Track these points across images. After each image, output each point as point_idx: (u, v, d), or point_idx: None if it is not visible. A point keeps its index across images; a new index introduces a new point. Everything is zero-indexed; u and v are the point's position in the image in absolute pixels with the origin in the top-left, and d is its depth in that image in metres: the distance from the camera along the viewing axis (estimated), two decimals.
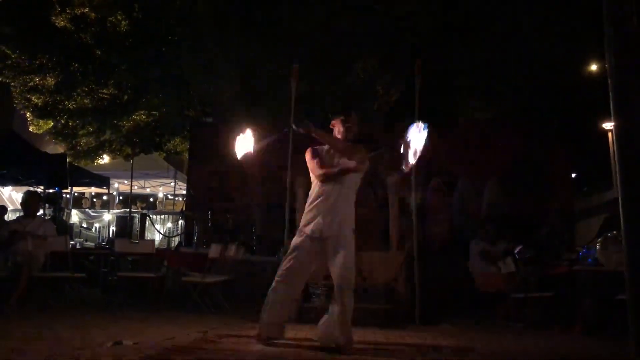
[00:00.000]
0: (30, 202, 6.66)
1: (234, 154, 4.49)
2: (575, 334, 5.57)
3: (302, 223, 4.39)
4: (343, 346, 4.03)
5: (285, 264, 4.31)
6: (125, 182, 15.44)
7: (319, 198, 4.32)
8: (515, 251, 7.01)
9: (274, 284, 4.31)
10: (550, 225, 8.30)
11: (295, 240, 4.36)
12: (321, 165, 4.38)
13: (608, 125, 14.07)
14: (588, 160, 16.31)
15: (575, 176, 13.98)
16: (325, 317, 4.22)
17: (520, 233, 7.79)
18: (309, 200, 4.41)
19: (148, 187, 17.34)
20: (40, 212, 7.99)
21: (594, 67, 14.94)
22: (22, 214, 6.89)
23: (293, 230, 6.67)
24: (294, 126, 4.42)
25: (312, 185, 4.47)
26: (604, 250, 5.37)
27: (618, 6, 2.31)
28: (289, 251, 4.38)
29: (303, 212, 4.45)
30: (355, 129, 4.50)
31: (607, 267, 5.36)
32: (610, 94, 2.35)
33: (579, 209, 11.83)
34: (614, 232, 5.33)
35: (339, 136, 4.46)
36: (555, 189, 9.40)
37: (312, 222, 4.29)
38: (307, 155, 4.50)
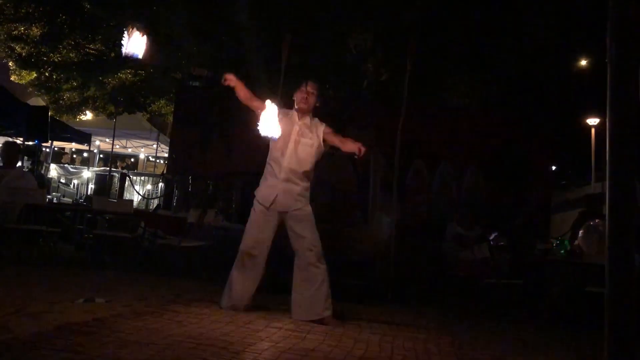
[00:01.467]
0: (8, 153, 6.55)
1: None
2: (542, 321, 5.69)
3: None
4: (327, 318, 4.14)
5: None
6: (107, 140, 15.30)
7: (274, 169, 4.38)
8: (490, 238, 7.11)
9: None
10: (526, 215, 8.43)
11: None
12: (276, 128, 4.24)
13: (592, 121, 14.23)
14: (568, 155, 16.52)
15: (555, 169, 14.15)
16: (297, 293, 4.27)
17: (496, 220, 7.90)
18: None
19: (130, 147, 17.20)
20: (19, 163, 7.88)
21: (583, 63, 15.05)
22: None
23: None
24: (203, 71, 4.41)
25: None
26: (586, 238, 5.48)
27: None
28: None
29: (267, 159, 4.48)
30: (315, 95, 4.47)
31: (587, 253, 5.47)
32: (608, 84, 2.33)
33: (556, 202, 12.01)
34: (597, 221, 5.42)
35: (297, 104, 4.46)
36: (534, 180, 9.50)
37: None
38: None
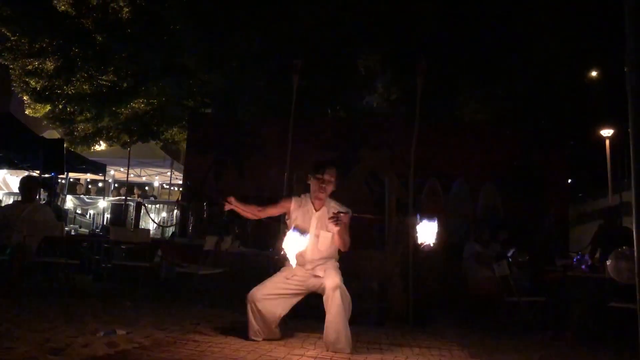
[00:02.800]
0: (28, 187, 6.61)
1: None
2: (566, 340, 5.59)
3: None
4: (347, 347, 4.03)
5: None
6: (122, 169, 15.44)
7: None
8: (509, 254, 7.04)
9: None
10: (544, 230, 8.34)
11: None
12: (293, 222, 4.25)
13: (606, 132, 14.13)
14: (584, 167, 16.39)
15: (571, 182, 14.04)
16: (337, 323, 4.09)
17: (514, 236, 7.82)
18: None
19: (144, 176, 17.33)
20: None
21: (593, 74, 15.02)
22: (18, 198, 6.85)
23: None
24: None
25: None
26: (615, 266, 5.38)
27: None
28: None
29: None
30: (333, 183, 4.26)
31: (619, 281, 5.36)
32: (628, 94, 2.30)
33: (574, 215, 11.90)
34: (624, 247, 5.34)
35: (314, 193, 4.28)
36: (550, 194, 9.43)
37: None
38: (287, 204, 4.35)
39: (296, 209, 4.29)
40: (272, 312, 4.19)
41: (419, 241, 4.14)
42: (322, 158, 5.93)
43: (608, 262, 5.43)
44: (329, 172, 4.25)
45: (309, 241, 4.17)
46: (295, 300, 4.28)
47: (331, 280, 4.05)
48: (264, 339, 4.21)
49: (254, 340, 4.18)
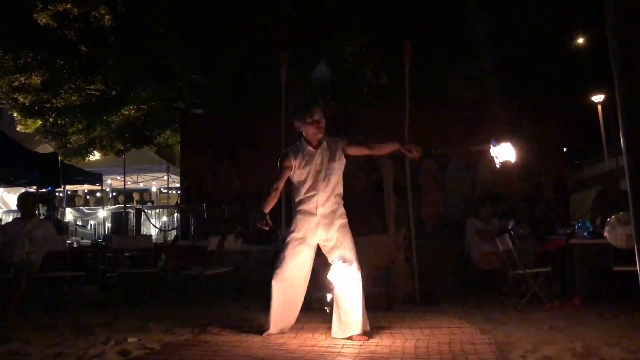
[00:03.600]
0: (26, 204, 6.61)
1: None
2: (573, 306, 5.64)
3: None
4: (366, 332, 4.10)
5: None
6: (118, 177, 15.40)
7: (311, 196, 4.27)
8: (509, 227, 7.07)
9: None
10: (544, 200, 8.36)
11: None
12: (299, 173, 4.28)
13: (597, 98, 14.12)
14: (578, 134, 16.39)
15: (567, 150, 14.04)
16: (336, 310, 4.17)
17: (515, 209, 7.85)
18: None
19: (141, 182, 17.29)
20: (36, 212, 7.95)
21: (580, 40, 14.98)
22: (17, 215, 6.85)
23: (289, 217, 6.70)
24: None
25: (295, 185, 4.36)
26: (612, 232, 5.40)
27: None
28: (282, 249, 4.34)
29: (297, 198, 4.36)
30: (324, 123, 4.28)
31: (617, 247, 5.39)
32: (611, 58, 2.29)
33: (572, 182, 11.91)
34: (620, 213, 5.35)
35: (312, 137, 4.28)
36: (547, 164, 9.43)
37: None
38: (278, 162, 4.36)
39: (296, 159, 4.28)
40: (302, 285, 4.26)
41: (498, 162, 4.13)
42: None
43: (605, 230, 5.46)
44: (318, 112, 4.30)
45: (321, 182, 4.22)
46: (313, 259, 4.29)
47: (345, 255, 4.12)
48: (280, 332, 4.24)
49: (270, 334, 4.20)
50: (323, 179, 4.24)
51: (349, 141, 4.34)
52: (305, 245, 4.24)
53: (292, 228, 4.30)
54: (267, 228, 4.20)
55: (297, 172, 4.28)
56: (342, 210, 4.30)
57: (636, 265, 2.30)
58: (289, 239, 4.28)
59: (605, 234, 5.47)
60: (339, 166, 4.30)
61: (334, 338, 4.08)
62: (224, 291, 6.58)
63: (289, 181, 4.40)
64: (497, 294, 6.50)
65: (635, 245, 2.28)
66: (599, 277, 6.22)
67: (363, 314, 4.11)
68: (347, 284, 4.08)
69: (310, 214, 4.23)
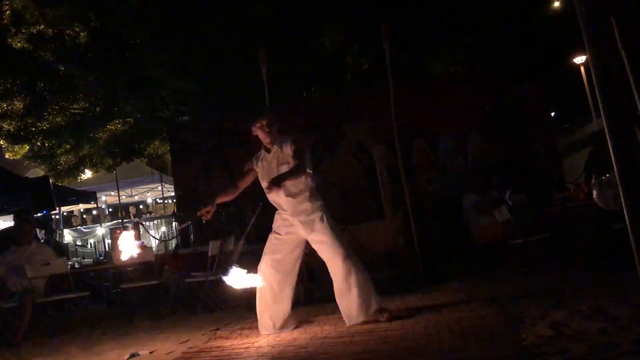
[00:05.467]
0: (22, 230, 6.58)
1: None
2: (577, 268, 5.67)
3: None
4: (374, 314, 4.15)
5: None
6: (112, 193, 15.34)
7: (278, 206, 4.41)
8: (506, 197, 7.10)
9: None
10: (537, 166, 8.38)
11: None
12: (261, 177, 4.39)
13: (579, 60, 14.15)
14: (564, 97, 16.44)
15: (555, 114, 14.08)
16: (340, 300, 4.24)
17: (509, 180, 7.86)
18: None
19: (136, 195, 17.24)
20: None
21: (555, 4, 15.00)
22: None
23: None
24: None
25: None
26: (600, 195, 5.43)
27: None
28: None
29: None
30: (266, 126, 4.32)
31: (607, 209, 5.42)
32: (581, 25, 2.29)
33: (563, 146, 11.95)
34: (607, 175, 5.38)
35: (262, 141, 4.39)
36: (536, 130, 9.44)
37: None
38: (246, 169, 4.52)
39: (257, 164, 4.44)
40: (283, 281, 4.32)
41: None
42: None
43: (594, 193, 5.49)
44: (265, 117, 4.37)
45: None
46: (298, 256, 4.39)
47: (326, 251, 4.22)
48: (279, 329, 4.28)
49: (267, 334, 4.25)
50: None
51: (293, 151, 4.31)
52: (283, 242, 4.35)
53: (274, 228, 4.46)
54: (207, 217, 4.33)
55: (260, 176, 4.42)
56: (314, 204, 4.32)
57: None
58: (269, 236, 4.44)
59: (594, 197, 5.50)
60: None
61: (343, 329, 4.09)
62: (230, 295, 6.57)
63: None
64: (500, 266, 6.52)
65: (623, 205, 2.30)
66: (600, 237, 6.25)
67: (368, 295, 4.16)
68: (337, 274, 4.18)
69: (282, 211, 4.39)
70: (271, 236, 4.43)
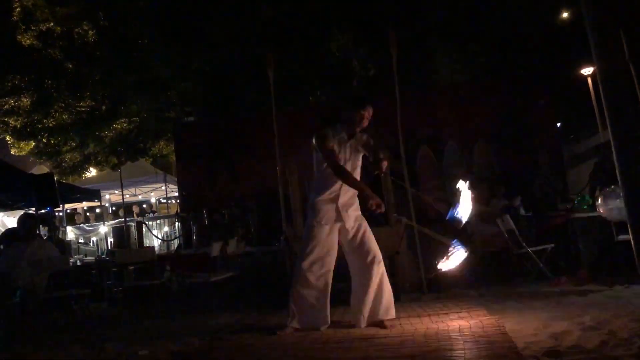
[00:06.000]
0: (27, 226, 6.60)
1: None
2: (581, 281, 5.64)
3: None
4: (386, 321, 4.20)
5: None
6: (116, 192, 15.37)
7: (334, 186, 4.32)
8: (517, 204, 7.10)
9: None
10: (541, 177, 8.36)
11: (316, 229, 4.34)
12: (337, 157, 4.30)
13: (586, 71, 14.12)
14: (571, 108, 16.41)
15: (561, 125, 14.04)
16: (359, 298, 4.27)
17: (513, 189, 7.84)
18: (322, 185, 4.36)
19: (139, 194, 17.26)
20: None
21: (565, 15, 14.99)
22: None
23: (289, 217, 6.69)
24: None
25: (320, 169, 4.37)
26: (604, 206, 5.42)
27: None
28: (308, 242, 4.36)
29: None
30: (367, 124, 4.37)
31: (610, 220, 5.41)
32: (589, 37, 2.30)
33: (568, 157, 11.91)
34: (612, 187, 5.37)
35: (356, 127, 4.31)
36: (542, 140, 9.42)
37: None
38: (320, 142, 4.31)
39: (334, 140, 4.33)
40: (326, 276, 4.29)
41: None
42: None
43: (598, 204, 5.48)
44: (370, 110, 4.35)
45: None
46: (335, 248, 4.36)
47: (368, 247, 4.27)
48: (307, 327, 4.28)
49: (298, 328, 4.26)
50: (350, 169, 4.31)
51: (371, 141, 4.39)
52: (332, 234, 4.33)
53: (318, 217, 4.32)
54: (382, 209, 4.21)
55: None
56: (357, 199, 4.41)
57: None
58: (316, 230, 4.31)
59: (599, 208, 5.49)
60: (359, 160, 4.43)
61: (344, 334, 4.08)
62: (232, 295, 6.57)
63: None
64: (503, 275, 6.50)
65: (627, 216, 2.29)
66: (603, 249, 6.23)
67: (385, 301, 4.24)
68: (369, 273, 4.23)
69: (333, 202, 4.31)
70: (320, 229, 4.30)
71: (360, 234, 4.32)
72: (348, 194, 4.31)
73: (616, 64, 2.20)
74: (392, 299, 4.30)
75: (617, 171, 2.31)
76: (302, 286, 4.28)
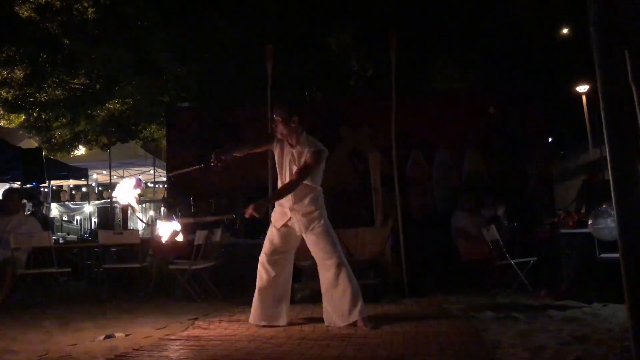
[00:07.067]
0: (11, 200, 6.55)
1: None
2: (561, 295, 5.69)
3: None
4: (360, 321, 4.19)
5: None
6: (104, 172, 15.28)
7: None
8: (501, 212, 7.14)
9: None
10: (529, 190, 8.41)
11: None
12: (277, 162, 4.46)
13: (582, 89, 14.21)
14: (563, 124, 16.52)
15: (552, 140, 14.14)
16: (325, 301, 4.35)
17: (500, 200, 7.88)
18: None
19: (127, 176, 17.17)
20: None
21: (564, 31, 15.07)
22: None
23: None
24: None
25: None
26: (595, 225, 5.46)
27: None
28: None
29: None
30: (283, 121, 4.30)
31: (601, 238, 5.45)
32: (594, 53, 2.30)
33: (557, 173, 12.00)
34: (603, 205, 5.41)
35: (288, 136, 4.34)
36: (532, 154, 9.46)
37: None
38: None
39: (276, 146, 4.44)
40: (281, 274, 4.39)
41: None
42: None
43: (589, 222, 5.51)
44: (276, 112, 4.39)
45: (285, 176, 4.35)
46: (293, 248, 4.47)
47: (320, 253, 4.29)
48: (266, 325, 4.30)
49: (257, 324, 4.31)
50: (287, 177, 4.36)
51: (308, 157, 4.28)
52: (281, 236, 4.39)
53: (272, 219, 4.50)
54: (217, 163, 4.17)
55: (276, 159, 4.46)
56: (315, 206, 4.34)
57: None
58: (269, 228, 4.50)
59: (589, 224, 5.52)
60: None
61: (322, 331, 4.10)
62: (212, 285, 6.56)
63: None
64: (485, 284, 6.54)
65: (618, 236, 2.30)
66: (585, 266, 6.27)
67: (355, 302, 4.21)
68: (327, 277, 4.29)
69: (283, 203, 4.38)
70: (271, 228, 4.46)
71: (311, 238, 4.32)
72: (289, 198, 4.30)
73: (618, 84, 2.20)
74: (352, 303, 4.21)
75: (611, 189, 2.31)
76: (258, 281, 4.40)
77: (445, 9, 12.52)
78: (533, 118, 9.62)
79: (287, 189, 4.25)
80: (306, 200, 4.31)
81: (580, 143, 14.94)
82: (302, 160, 4.27)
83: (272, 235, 4.42)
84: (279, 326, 4.33)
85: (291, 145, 4.37)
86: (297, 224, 4.33)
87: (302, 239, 4.42)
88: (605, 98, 2.25)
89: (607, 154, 2.27)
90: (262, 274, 4.39)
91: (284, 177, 4.39)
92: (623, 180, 2.23)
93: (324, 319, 4.35)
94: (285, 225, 4.37)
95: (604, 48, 2.24)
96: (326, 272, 4.28)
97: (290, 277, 4.53)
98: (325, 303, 4.35)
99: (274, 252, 4.38)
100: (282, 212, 4.38)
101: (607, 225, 5.16)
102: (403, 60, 7.55)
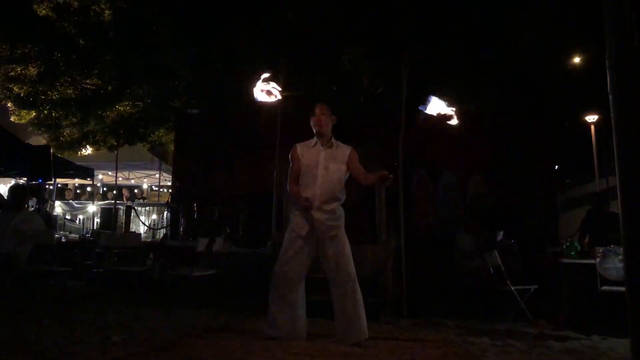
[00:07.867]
0: (17, 196, 6.57)
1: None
2: (560, 325, 5.66)
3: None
4: (362, 342, 4.17)
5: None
6: (110, 173, 15.33)
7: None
8: (498, 238, 7.11)
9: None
10: (534, 217, 8.39)
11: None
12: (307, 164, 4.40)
13: (590, 118, 14.18)
14: (571, 152, 16.47)
15: (558, 168, 14.09)
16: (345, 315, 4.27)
17: (504, 225, 7.86)
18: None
19: (132, 179, 17.24)
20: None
21: (576, 60, 15.08)
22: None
23: (280, 222, 6.69)
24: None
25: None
26: (603, 264, 5.46)
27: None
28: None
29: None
30: (327, 116, 4.50)
31: (608, 278, 5.46)
32: (609, 84, 2.31)
33: (562, 201, 11.95)
34: (612, 246, 5.42)
35: (316, 127, 4.45)
36: (538, 181, 9.46)
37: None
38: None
39: (303, 151, 4.44)
40: (299, 284, 4.31)
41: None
42: None
43: (596, 261, 5.52)
44: (321, 107, 4.49)
45: (318, 175, 4.30)
46: (309, 258, 4.35)
47: (339, 263, 4.22)
48: (288, 334, 4.25)
49: (273, 337, 4.22)
50: (324, 175, 4.31)
51: (356, 156, 4.44)
52: (304, 243, 4.30)
53: (292, 224, 4.38)
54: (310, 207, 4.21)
55: (302, 161, 4.41)
56: (338, 213, 4.35)
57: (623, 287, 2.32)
58: (288, 236, 4.36)
59: (596, 262, 5.54)
60: (340, 171, 4.36)
61: (318, 347, 4.07)
62: (211, 293, 6.55)
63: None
64: (485, 310, 6.50)
65: (625, 273, 2.30)
66: (586, 297, 6.24)
67: (364, 320, 4.24)
68: (342, 292, 4.21)
69: (304, 210, 4.29)
70: (291, 236, 4.34)
71: (330, 250, 4.27)
72: (320, 185, 4.29)
73: (633, 113, 2.21)
74: (358, 323, 4.22)
75: (621, 227, 2.31)
76: (274, 289, 4.30)
77: (461, 34, 12.55)
78: (541, 145, 9.63)
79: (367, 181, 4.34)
80: (335, 206, 4.31)
81: (587, 173, 14.88)
82: (346, 156, 4.37)
83: (292, 243, 4.30)
84: (296, 340, 4.24)
85: (322, 144, 4.40)
86: (320, 226, 4.24)
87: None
88: (618, 127, 2.25)
89: (617, 182, 2.27)
90: (279, 284, 4.28)
91: (318, 176, 4.30)
92: (632, 211, 2.23)
93: (339, 337, 4.25)
94: (309, 232, 4.27)
95: (618, 87, 2.26)
96: (343, 287, 4.21)
97: (303, 288, 4.41)
98: (338, 317, 4.26)
99: (291, 261, 4.28)
100: (306, 218, 4.28)
101: (614, 265, 5.18)
102: (414, 79, 7.58)
